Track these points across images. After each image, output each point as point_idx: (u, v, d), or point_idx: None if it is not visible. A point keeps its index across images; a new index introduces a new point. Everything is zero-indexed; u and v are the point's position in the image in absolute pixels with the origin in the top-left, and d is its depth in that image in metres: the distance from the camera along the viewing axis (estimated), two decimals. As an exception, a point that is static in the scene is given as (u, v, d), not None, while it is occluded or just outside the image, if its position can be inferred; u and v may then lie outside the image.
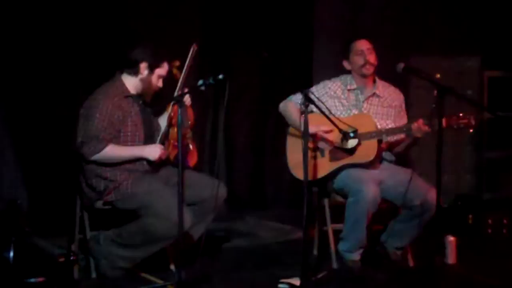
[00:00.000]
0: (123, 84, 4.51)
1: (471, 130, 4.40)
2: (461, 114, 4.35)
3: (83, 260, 4.60)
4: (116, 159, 4.43)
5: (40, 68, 5.45)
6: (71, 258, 4.42)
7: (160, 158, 4.49)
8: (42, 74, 5.46)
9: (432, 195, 4.46)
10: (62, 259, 4.45)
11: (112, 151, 4.40)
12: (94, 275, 4.53)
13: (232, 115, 6.51)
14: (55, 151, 5.38)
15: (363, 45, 4.79)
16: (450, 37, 6.94)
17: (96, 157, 4.37)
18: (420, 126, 4.50)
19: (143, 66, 4.50)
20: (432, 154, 4.14)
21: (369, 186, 4.47)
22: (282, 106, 4.92)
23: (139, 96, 4.58)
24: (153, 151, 4.49)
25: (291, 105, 4.84)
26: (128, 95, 4.51)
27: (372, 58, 4.77)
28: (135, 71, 4.50)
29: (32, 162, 5.44)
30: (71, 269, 4.42)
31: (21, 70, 5.39)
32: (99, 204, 4.51)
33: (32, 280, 4.27)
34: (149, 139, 4.57)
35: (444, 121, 4.26)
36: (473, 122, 4.34)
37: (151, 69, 4.51)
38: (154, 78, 4.53)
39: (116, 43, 5.48)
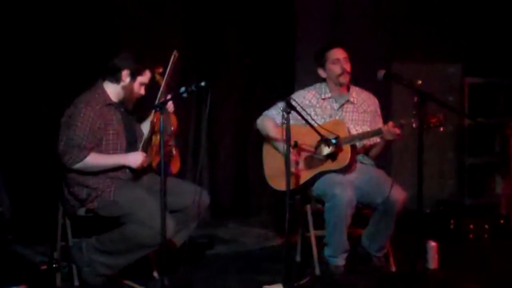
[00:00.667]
0: (104, 92, 4.50)
1: (442, 129, 4.41)
2: (429, 114, 4.35)
3: (65, 267, 4.57)
4: (98, 167, 4.41)
5: (22, 75, 5.43)
6: (54, 265, 4.40)
7: (142, 166, 4.48)
8: (24, 81, 5.45)
9: (394, 192, 4.51)
10: (44, 267, 4.43)
11: (94, 159, 4.38)
12: (76, 282, 4.52)
13: (215, 122, 6.52)
14: (38, 159, 5.35)
15: (339, 54, 4.80)
16: (432, 44, 6.99)
17: (78, 165, 4.36)
18: (390, 128, 4.53)
19: (125, 73, 4.48)
20: (413, 160, 4.17)
21: (343, 189, 4.50)
22: (259, 122, 4.95)
23: (121, 103, 4.57)
24: (135, 159, 4.47)
25: (268, 120, 4.86)
26: (110, 103, 4.50)
27: (348, 67, 4.79)
28: (117, 79, 4.49)
29: (14, 170, 5.41)
30: (53, 276, 4.40)
31: (2, 77, 5.37)
32: (81, 211, 4.49)
33: (14, 288, 4.26)
34: (131, 147, 4.56)
35: (413, 122, 4.30)
36: (443, 119, 4.36)
37: (133, 76, 4.49)
38: (136, 86, 4.52)
39: (99, 50, 5.48)
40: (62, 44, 5.55)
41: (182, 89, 4.24)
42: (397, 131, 4.51)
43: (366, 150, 4.87)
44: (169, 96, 4.48)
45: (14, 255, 4.90)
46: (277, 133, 4.71)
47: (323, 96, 4.87)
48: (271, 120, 4.85)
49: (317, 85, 4.93)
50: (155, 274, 4.65)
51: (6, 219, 5.33)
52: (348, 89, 4.90)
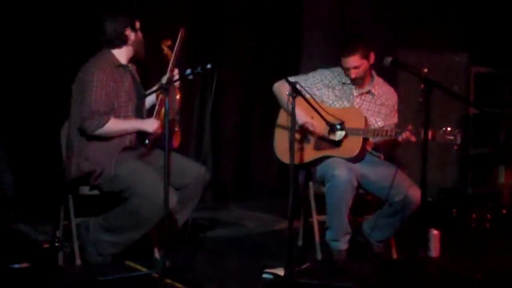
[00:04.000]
0: (113, 55, 4.52)
1: (455, 147, 4.42)
2: (448, 129, 4.34)
3: (68, 246, 4.58)
4: (117, 132, 4.42)
5: (21, 54, 5.41)
6: (56, 244, 4.41)
7: (156, 132, 4.46)
8: (24, 60, 5.42)
9: (413, 193, 4.51)
10: (46, 245, 4.45)
11: (114, 124, 4.39)
12: (78, 262, 4.52)
13: (219, 104, 6.51)
14: (42, 136, 5.35)
15: (348, 63, 4.69)
16: (438, 32, 6.97)
17: (99, 131, 4.35)
18: (408, 136, 4.48)
19: (128, 31, 4.54)
20: (417, 149, 4.17)
21: (343, 170, 4.50)
22: (276, 86, 4.88)
23: (132, 61, 4.62)
24: (152, 124, 4.47)
25: (285, 87, 4.81)
26: (120, 65, 4.52)
27: (357, 73, 4.69)
28: (124, 40, 4.52)
29: (18, 148, 5.42)
30: (55, 255, 4.41)
31: (3, 52, 5.35)
32: (85, 190, 4.50)
33: (16, 265, 4.26)
34: (138, 111, 4.58)
35: (430, 134, 4.26)
36: (459, 140, 4.34)
37: (134, 28, 4.56)
38: (139, 34, 4.59)
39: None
40: (68, 16, 5.51)
41: (188, 71, 4.27)
42: (413, 139, 4.48)
43: (377, 146, 4.84)
44: (175, 77, 4.49)
45: (16, 233, 4.92)
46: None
47: (344, 81, 4.84)
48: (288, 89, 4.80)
49: (341, 69, 4.85)
50: (157, 255, 4.66)
51: (9, 197, 5.36)
52: (371, 78, 4.84)
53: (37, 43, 5.47)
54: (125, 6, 5.72)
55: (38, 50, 5.47)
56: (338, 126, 4.57)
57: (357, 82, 4.77)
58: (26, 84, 5.44)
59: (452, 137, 4.33)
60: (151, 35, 5.55)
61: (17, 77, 5.41)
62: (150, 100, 4.72)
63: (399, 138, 4.52)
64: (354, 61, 4.69)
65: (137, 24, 4.58)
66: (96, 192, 4.51)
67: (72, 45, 5.46)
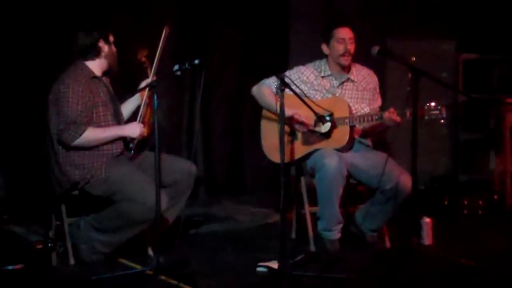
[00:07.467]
0: (87, 67, 4.51)
1: (442, 121, 4.43)
2: (432, 104, 4.37)
3: (61, 246, 4.58)
4: (97, 141, 4.41)
5: (7, 58, 5.40)
6: (49, 245, 4.40)
7: (141, 135, 4.47)
8: (10, 63, 5.40)
9: (403, 179, 4.53)
10: (40, 246, 4.44)
11: (93, 133, 4.38)
12: (72, 261, 4.52)
13: (209, 99, 6.50)
14: (32, 138, 5.33)
15: (345, 33, 4.73)
16: (426, 20, 6.97)
17: (78, 142, 4.34)
18: (391, 115, 4.51)
19: (102, 43, 4.52)
20: (408, 136, 4.17)
21: (332, 158, 4.51)
22: (255, 89, 4.91)
23: (106, 74, 4.61)
24: (134, 129, 4.47)
25: (265, 88, 4.83)
26: (94, 76, 4.51)
27: (352, 48, 4.73)
28: (97, 53, 4.51)
29: (9, 149, 5.40)
30: (49, 255, 4.41)
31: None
32: (75, 192, 4.49)
33: (10, 267, 4.26)
34: (116, 119, 4.57)
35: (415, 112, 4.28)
36: (444, 113, 4.36)
37: (107, 41, 4.54)
38: (113, 47, 4.57)
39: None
40: (48, 17, 5.48)
41: (176, 67, 4.24)
42: (398, 119, 4.49)
43: (364, 132, 4.86)
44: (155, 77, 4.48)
45: (10, 234, 4.90)
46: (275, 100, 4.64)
47: (322, 74, 4.83)
48: (268, 88, 4.81)
49: (317, 62, 4.88)
50: (150, 252, 4.67)
51: (1, 199, 5.35)
52: (349, 67, 4.86)
53: (24, 40, 5.44)
54: (111, 5, 5.76)
55: (25, 48, 5.44)
56: (328, 118, 4.57)
57: (347, 61, 4.75)
58: (13, 86, 5.41)
59: (437, 112, 4.36)
60: (138, 32, 5.57)
61: (3, 80, 5.39)
62: (128, 109, 4.72)
63: (384, 116, 4.53)
64: (350, 32, 4.74)
65: (111, 38, 4.57)
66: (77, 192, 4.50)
67: (61, 44, 5.44)
